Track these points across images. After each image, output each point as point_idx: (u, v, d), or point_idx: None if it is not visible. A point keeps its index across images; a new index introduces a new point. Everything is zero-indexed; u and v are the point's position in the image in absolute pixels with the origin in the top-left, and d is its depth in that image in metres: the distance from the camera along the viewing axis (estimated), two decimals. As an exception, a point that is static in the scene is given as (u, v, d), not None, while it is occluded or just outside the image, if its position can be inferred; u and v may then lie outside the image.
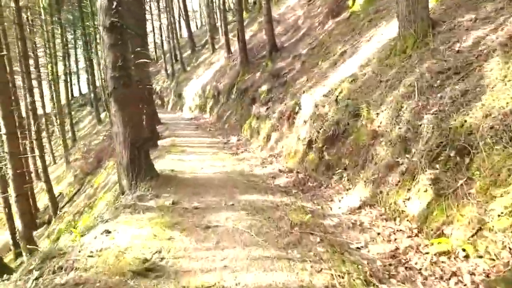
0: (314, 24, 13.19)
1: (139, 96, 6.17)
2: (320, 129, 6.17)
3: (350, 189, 4.78)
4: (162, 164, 7.35)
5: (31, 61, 22.69)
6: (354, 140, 5.15)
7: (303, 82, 9.23)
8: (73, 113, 31.87)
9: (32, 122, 13.49)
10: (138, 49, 9.00)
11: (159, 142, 10.02)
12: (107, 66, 4.90)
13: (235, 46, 19.62)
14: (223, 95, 15.75)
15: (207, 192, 4.99)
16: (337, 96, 6.26)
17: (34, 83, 23.75)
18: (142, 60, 9.10)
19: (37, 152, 12.95)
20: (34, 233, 15.76)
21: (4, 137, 8.69)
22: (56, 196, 18.78)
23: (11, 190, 9.45)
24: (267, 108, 10.33)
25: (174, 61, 28.06)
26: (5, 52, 10.16)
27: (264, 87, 11.40)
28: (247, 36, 16.01)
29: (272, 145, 8.24)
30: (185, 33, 34.14)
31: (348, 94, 5.98)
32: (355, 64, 7.05)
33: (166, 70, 28.98)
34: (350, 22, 10.10)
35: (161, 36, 33.06)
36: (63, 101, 24.62)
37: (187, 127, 14.34)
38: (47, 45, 21.58)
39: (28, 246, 8.77)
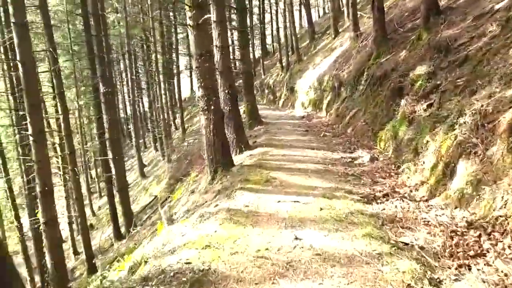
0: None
1: None
2: None
3: None
4: (194, 234, 3.49)
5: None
6: None
7: (526, 50, 4.35)
8: (190, 107, 31.37)
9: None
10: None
11: (242, 156, 6.35)
12: None
13: (364, 25, 14.96)
14: (346, 86, 11.36)
15: None
16: None
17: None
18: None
19: (110, 155, 10.86)
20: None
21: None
22: (151, 200, 17.21)
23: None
24: (430, 105, 5.68)
25: (290, 52, 24.62)
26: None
27: (421, 69, 6.72)
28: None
29: (461, 189, 3.65)
30: (304, 22, 30.32)
31: None
32: None
33: (281, 62, 25.78)
34: None
35: (277, 24, 29.86)
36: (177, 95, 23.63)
37: (293, 130, 10.46)
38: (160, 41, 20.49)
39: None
